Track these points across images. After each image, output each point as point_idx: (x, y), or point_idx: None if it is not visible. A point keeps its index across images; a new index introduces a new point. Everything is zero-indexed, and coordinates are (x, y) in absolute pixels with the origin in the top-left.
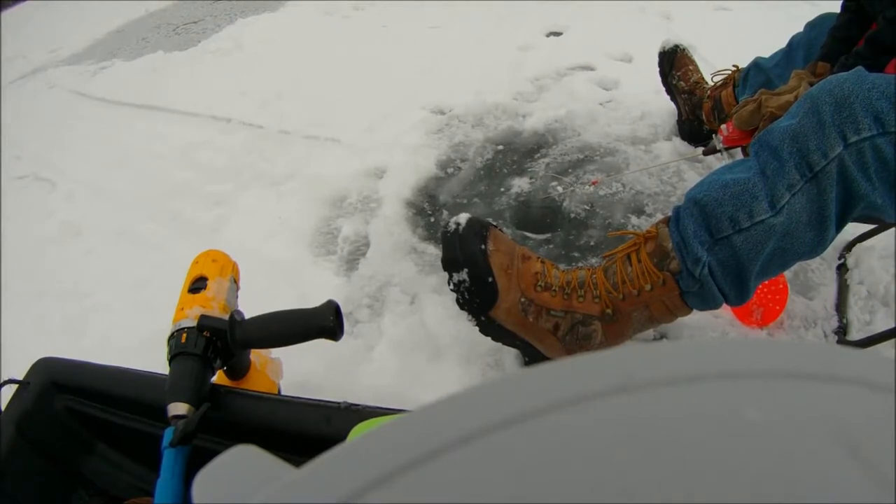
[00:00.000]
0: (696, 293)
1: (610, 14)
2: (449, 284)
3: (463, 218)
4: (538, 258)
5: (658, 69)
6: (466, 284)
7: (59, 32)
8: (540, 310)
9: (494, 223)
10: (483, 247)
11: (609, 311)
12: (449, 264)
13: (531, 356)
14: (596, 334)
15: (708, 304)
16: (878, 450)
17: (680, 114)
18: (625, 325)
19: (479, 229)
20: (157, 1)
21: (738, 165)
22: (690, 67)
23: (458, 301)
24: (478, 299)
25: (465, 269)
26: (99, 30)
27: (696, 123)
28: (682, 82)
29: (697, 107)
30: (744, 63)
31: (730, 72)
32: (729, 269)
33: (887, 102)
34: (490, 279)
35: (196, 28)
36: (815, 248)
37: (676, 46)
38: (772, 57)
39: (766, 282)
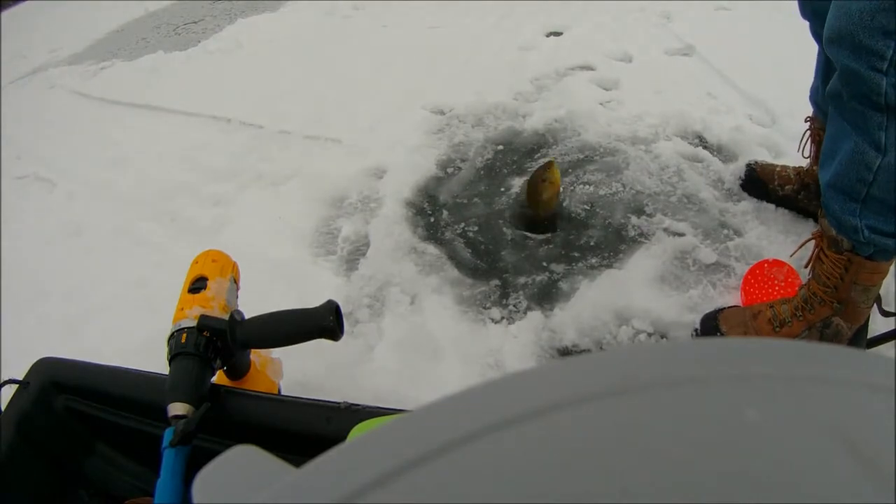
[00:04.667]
0: (876, 251)
1: (610, 14)
2: None
3: (697, 322)
4: (765, 305)
5: (748, 193)
6: None
7: (59, 32)
8: None
9: (721, 308)
10: (719, 332)
11: (837, 304)
12: None
13: None
14: (841, 327)
15: (892, 249)
16: (878, 450)
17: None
18: (853, 305)
19: (709, 322)
20: (157, 1)
21: (837, 138)
22: (778, 170)
23: None
24: None
25: None
26: (99, 30)
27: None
28: (788, 186)
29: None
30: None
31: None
32: (884, 216)
33: (885, 15)
34: None
35: (196, 28)
36: None
37: (748, 165)
38: (813, 85)
39: (783, 280)
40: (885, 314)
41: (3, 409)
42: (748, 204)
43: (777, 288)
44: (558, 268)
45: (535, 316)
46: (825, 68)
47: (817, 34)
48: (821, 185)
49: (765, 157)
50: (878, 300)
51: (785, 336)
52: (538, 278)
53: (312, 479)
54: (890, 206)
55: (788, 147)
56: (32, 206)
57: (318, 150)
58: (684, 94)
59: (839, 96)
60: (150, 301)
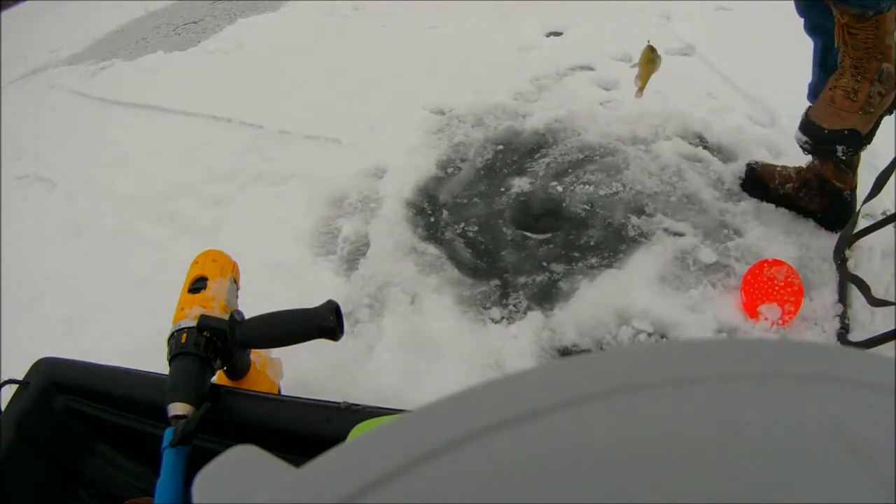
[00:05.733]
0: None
1: (610, 14)
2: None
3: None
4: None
5: (748, 192)
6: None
7: (59, 32)
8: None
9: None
10: None
11: (879, 55)
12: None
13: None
14: (891, 71)
15: None
16: (878, 450)
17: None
18: (890, 50)
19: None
20: (157, 1)
21: None
22: (779, 169)
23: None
24: None
25: None
26: (99, 30)
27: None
28: (788, 185)
29: (821, 181)
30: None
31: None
32: None
33: None
34: None
35: (196, 28)
36: None
37: (748, 165)
38: (811, 81)
39: (783, 280)
40: (875, 303)
41: (3, 409)
42: (748, 204)
43: (777, 288)
44: (558, 268)
45: (535, 316)
46: (821, 62)
47: (812, 29)
48: None
49: (765, 156)
50: (868, 289)
51: (861, 97)
52: (538, 278)
53: (312, 479)
54: None
55: (788, 147)
56: (32, 206)
57: (318, 150)
58: (684, 93)
59: None
60: (150, 301)
